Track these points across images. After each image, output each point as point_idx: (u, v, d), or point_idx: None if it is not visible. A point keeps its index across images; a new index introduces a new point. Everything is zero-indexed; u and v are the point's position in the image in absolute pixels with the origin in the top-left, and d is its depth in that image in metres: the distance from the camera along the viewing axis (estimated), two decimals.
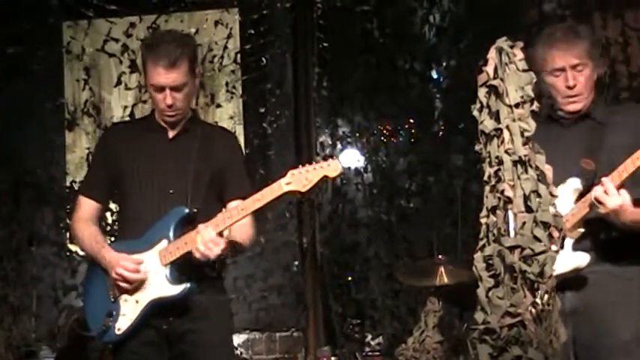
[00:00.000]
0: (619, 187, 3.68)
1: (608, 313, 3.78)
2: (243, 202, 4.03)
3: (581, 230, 3.83)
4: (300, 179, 3.97)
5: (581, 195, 3.81)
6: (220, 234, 4.03)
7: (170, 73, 4.07)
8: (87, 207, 4.33)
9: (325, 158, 7.13)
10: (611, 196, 3.66)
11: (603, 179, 3.68)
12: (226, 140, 4.37)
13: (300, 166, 4.01)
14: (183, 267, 4.07)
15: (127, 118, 7.16)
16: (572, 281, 3.76)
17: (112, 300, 4.15)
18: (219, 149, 4.26)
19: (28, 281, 7.35)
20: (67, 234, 7.34)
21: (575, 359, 3.85)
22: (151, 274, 4.08)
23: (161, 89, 4.11)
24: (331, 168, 3.96)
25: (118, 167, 4.25)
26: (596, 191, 3.69)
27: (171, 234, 4.08)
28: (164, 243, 4.09)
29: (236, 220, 4.03)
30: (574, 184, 3.85)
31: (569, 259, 3.76)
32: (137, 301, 4.10)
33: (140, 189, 4.19)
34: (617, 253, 3.84)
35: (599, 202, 3.68)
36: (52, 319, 7.27)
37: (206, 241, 3.96)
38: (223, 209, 4.20)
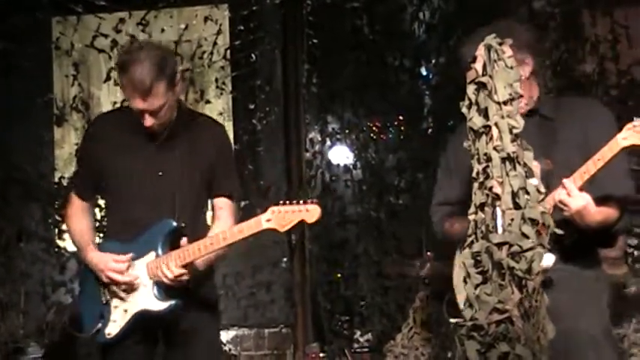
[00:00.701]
0: (580, 189, 3.67)
1: (574, 311, 3.76)
2: (226, 232, 4.02)
3: None
4: (279, 219, 3.96)
5: None
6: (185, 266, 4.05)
7: (146, 100, 3.99)
8: (77, 204, 4.33)
9: (315, 155, 7.26)
10: (574, 197, 3.65)
11: (564, 181, 3.66)
12: (214, 135, 4.32)
13: (281, 203, 3.99)
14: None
15: None
16: None
17: (104, 302, 4.16)
18: (208, 146, 4.23)
19: (16, 277, 7.34)
20: (56, 230, 7.34)
21: None
22: (140, 285, 4.09)
23: (140, 112, 4.05)
24: (310, 214, 3.95)
25: (105, 165, 4.21)
26: (560, 194, 3.68)
27: (159, 247, 4.08)
28: (152, 255, 4.08)
29: (216, 249, 4.03)
30: (535, 183, 3.82)
31: None
32: (126, 311, 4.11)
33: (129, 190, 4.16)
34: (579, 254, 3.83)
35: (564, 205, 3.68)
36: (40, 316, 7.26)
37: (171, 279, 4.00)
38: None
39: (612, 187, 3.80)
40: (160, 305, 4.05)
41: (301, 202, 3.98)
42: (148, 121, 4.04)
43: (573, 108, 4.00)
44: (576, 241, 3.78)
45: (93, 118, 4.62)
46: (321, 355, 7.05)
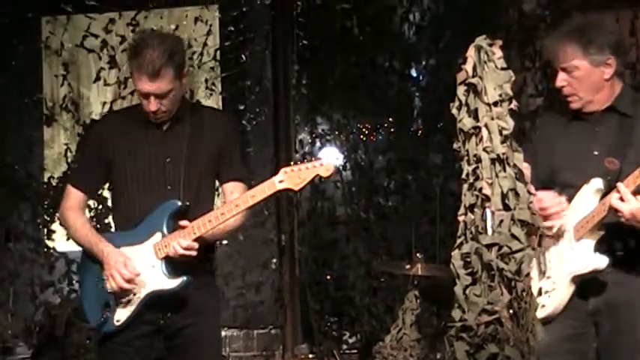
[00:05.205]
0: (635, 193, 3.60)
1: (628, 312, 3.75)
2: (238, 199, 4.03)
3: (602, 232, 3.74)
4: (293, 177, 3.95)
5: (604, 196, 3.72)
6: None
7: (154, 82, 4.03)
8: (76, 198, 4.30)
9: (304, 156, 7.26)
10: (627, 202, 3.59)
11: (618, 184, 3.61)
12: (218, 120, 4.35)
13: (292, 163, 4.00)
14: (178, 260, 4.07)
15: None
16: (592, 283, 3.74)
17: (109, 290, 4.14)
18: (212, 129, 4.24)
19: (5, 277, 7.32)
20: (45, 230, 7.32)
21: (597, 357, 3.86)
22: (147, 268, 4.08)
23: (146, 95, 4.09)
24: (324, 168, 3.94)
25: (112, 161, 4.23)
26: (613, 198, 3.62)
27: (164, 227, 4.08)
28: (158, 236, 4.09)
29: (228, 218, 4.03)
30: (597, 184, 3.74)
31: (589, 261, 3.71)
32: (135, 294, 4.10)
33: (136, 183, 4.18)
34: (636, 258, 3.80)
35: (616, 210, 3.62)
36: (28, 316, 7.24)
37: (180, 252, 4.01)
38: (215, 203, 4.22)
39: None
40: (171, 283, 4.05)
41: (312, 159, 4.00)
42: (153, 104, 4.07)
43: None
44: (632, 246, 3.75)
45: (96, 119, 4.60)
46: (310, 356, 7.06)
